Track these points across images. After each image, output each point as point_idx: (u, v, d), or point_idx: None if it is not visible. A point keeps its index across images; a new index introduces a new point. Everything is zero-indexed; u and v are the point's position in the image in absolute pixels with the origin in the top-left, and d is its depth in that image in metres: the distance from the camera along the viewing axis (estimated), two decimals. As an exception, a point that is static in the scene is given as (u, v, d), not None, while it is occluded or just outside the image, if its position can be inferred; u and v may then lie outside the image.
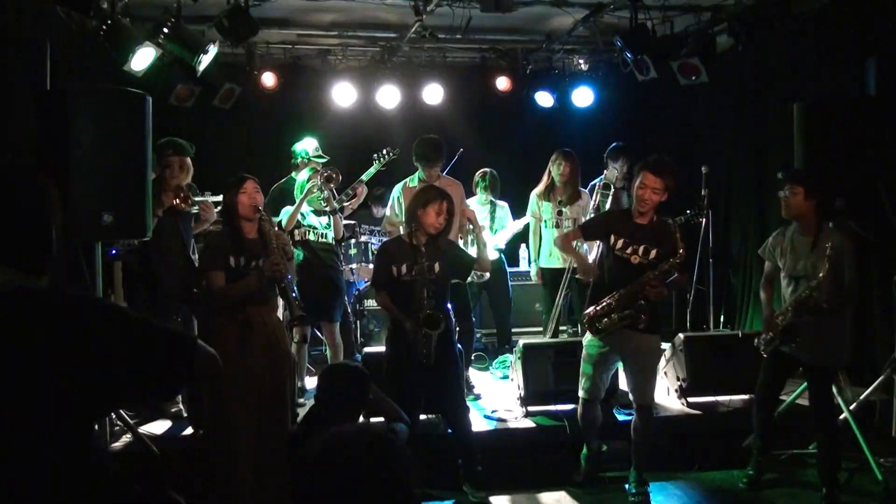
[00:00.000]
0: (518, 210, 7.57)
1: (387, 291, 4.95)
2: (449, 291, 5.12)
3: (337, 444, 1.74)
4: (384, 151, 6.86)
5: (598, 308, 4.91)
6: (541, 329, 7.48)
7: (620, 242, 4.93)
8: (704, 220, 7.43)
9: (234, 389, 4.31)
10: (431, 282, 4.82)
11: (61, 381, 1.85)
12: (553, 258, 7.00)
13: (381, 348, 6.92)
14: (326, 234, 6.49)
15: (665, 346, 6.84)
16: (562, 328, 7.35)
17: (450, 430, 5.21)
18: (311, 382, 6.60)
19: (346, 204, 6.84)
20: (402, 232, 5.31)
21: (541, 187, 7.15)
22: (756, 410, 5.27)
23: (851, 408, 5.49)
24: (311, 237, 6.45)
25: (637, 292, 4.78)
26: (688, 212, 7.51)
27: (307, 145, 7.02)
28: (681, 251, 4.76)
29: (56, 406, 1.85)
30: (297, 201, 6.27)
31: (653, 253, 4.87)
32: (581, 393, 5.14)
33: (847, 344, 5.02)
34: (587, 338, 5.08)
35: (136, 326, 2.00)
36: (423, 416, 5.27)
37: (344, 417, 3.74)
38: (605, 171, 7.30)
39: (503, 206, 7.58)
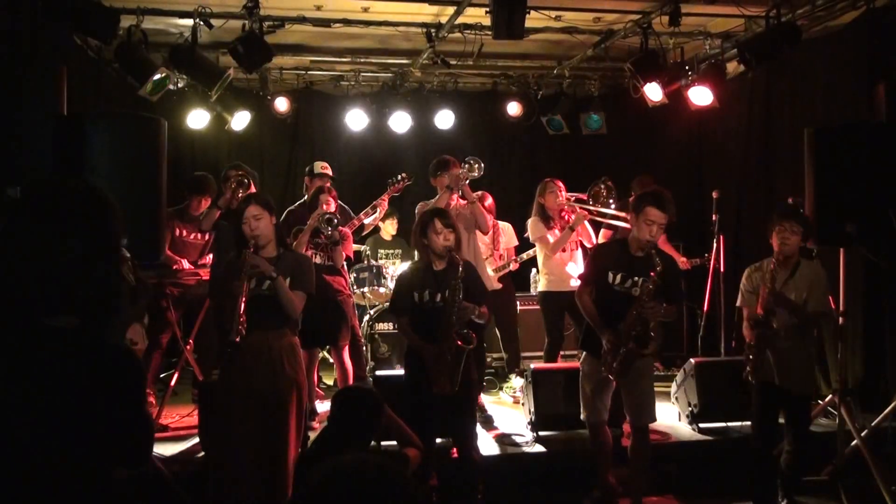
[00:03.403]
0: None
1: (408, 318, 4.94)
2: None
3: (333, 477, 1.74)
4: (399, 177, 6.91)
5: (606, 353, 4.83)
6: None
7: (619, 277, 4.86)
8: (715, 244, 7.44)
9: (235, 410, 4.37)
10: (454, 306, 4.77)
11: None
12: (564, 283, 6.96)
13: (393, 372, 6.95)
14: (332, 256, 6.45)
15: (676, 372, 6.85)
16: (571, 353, 7.34)
17: (456, 455, 5.16)
18: (321, 406, 6.61)
19: (368, 221, 6.94)
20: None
21: (538, 217, 7.13)
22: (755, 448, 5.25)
23: (863, 434, 5.45)
24: (318, 260, 6.38)
25: (635, 320, 4.71)
26: (705, 255, 7.57)
27: (315, 164, 7.14)
28: (658, 268, 4.69)
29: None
30: (303, 233, 6.25)
31: (650, 284, 4.78)
32: (581, 415, 5.13)
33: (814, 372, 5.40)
34: (583, 358, 5.12)
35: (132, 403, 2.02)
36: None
37: (356, 440, 3.74)
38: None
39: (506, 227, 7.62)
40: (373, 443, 4.03)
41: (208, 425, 5.05)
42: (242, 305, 4.33)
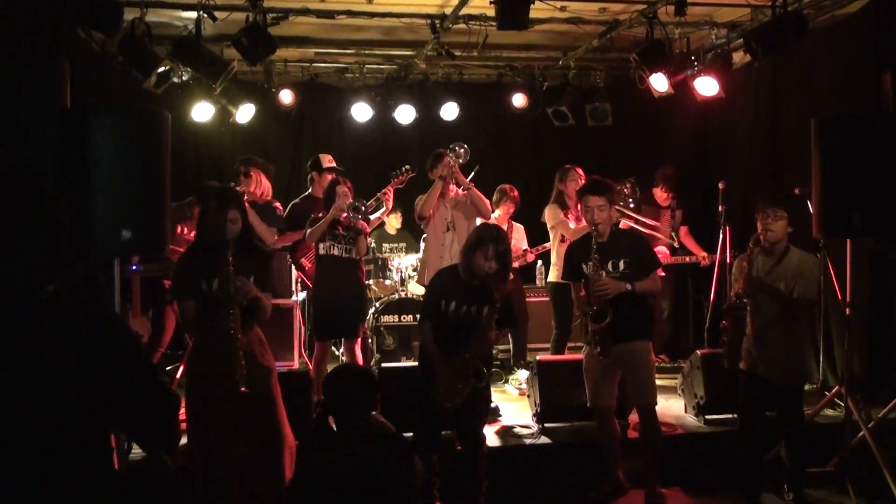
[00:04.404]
0: (535, 227, 7.58)
1: (430, 323, 4.90)
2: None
3: (335, 470, 1.73)
4: (402, 169, 6.90)
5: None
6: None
7: (590, 267, 4.98)
8: (721, 235, 7.41)
9: (216, 411, 4.39)
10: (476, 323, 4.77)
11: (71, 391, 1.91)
12: None
13: (398, 364, 6.96)
14: (350, 248, 6.36)
15: (683, 363, 6.84)
16: (578, 345, 7.32)
17: (460, 447, 5.11)
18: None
19: (375, 216, 6.90)
20: None
21: (557, 203, 7.14)
22: (743, 440, 5.27)
23: (869, 426, 5.44)
24: (336, 252, 6.33)
25: (593, 299, 4.93)
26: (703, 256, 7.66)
27: (321, 157, 7.12)
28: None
29: (63, 414, 1.91)
30: (323, 220, 6.20)
31: (622, 263, 4.98)
32: (588, 402, 5.19)
33: (807, 361, 5.47)
34: (585, 347, 5.21)
35: (141, 371, 2.06)
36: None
37: (352, 419, 3.67)
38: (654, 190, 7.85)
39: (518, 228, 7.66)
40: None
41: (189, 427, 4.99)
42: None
